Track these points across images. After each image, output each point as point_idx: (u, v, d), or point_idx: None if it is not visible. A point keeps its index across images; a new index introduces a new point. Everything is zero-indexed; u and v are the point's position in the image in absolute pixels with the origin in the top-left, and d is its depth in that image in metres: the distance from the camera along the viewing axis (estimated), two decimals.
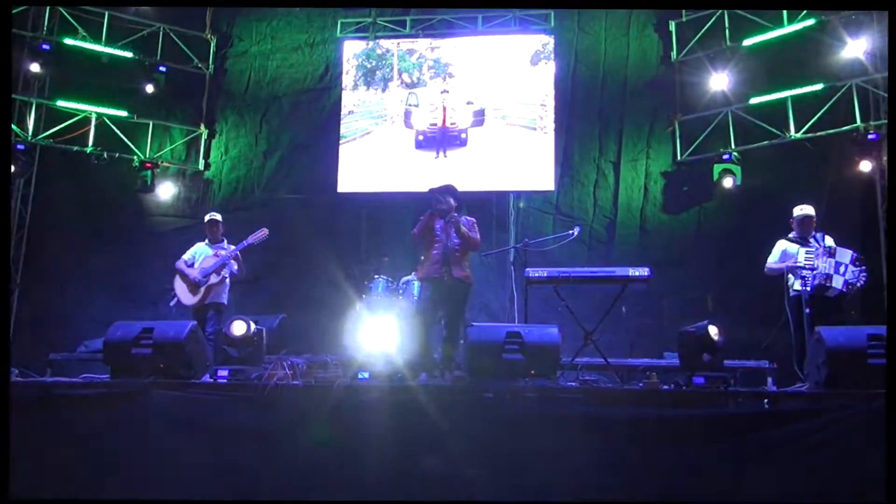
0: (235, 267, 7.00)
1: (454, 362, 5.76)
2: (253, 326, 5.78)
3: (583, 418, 4.34)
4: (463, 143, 9.83)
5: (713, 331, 4.98)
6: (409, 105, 10.01)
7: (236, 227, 7.69)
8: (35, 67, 9.50)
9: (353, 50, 10.30)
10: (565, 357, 5.62)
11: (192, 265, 6.94)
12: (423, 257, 6.12)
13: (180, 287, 6.93)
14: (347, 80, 10.21)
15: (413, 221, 6.21)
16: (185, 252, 7.10)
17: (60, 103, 9.68)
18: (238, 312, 7.32)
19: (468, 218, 6.20)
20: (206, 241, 7.15)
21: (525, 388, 4.68)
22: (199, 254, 7.03)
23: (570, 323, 6.18)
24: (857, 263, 5.91)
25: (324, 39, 10.58)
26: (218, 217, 7.22)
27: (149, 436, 4.49)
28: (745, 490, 4.04)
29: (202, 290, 6.84)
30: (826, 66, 8.74)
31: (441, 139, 9.89)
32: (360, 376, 4.99)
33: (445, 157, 9.81)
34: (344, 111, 10.13)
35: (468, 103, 9.92)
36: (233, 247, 6.99)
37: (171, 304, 7.01)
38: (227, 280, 7.03)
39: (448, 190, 6.18)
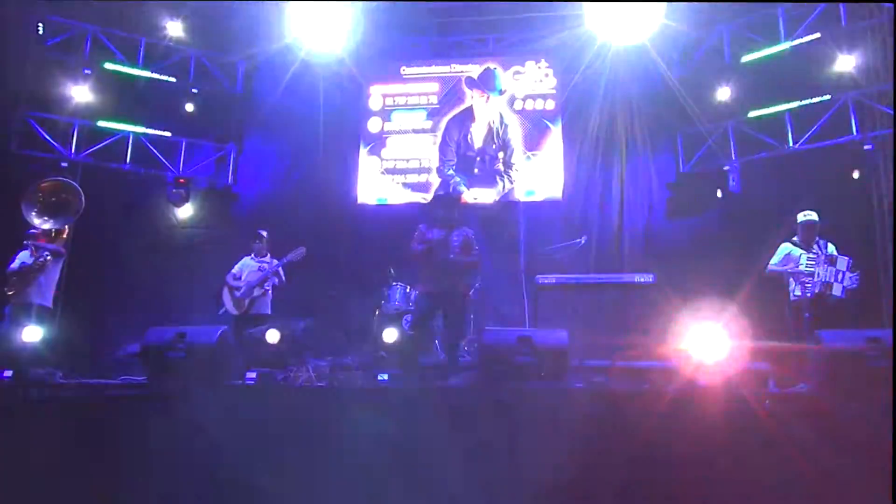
0: (276, 281, 7.22)
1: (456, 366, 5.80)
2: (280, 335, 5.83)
3: (590, 418, 4.31)
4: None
5: (701, 336, 4.91)
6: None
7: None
8: (79, 90, 9.65)
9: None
10: (573, 360, 5.59)
11: (239, 278, 7.16)
12: (425, 268, 6.03)
13: (227, 298, 7.20)
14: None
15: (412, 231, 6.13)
16: (234, 266, 7.40)
17: (101, 123, 9.81)
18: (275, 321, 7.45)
19: (468, 229, 6.16)
20: (252, 255, 7.35)
21: (535, 389, 4.66)
22: (245, 267, 7.25)
23: (579, 327, 6.15)
24: (853, 269, 5.85)
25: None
26: (263, 233, 7.41)
27: (180, 435, 4.51)
28: (744, 489, 3.99)
29: (246, 301, 7.02)
30: (822, 80, 8.67)
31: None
32: (379, 378, 5.00)
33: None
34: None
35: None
36: (276, 261, 7.18)
37: (220, 312, 7.21)
38: (270, 292, 7.23)
39: (453, 201, 6.16)
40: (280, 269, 7.27)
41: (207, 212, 10.42)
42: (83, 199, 6.56)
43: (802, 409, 4.21)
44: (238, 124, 10.71)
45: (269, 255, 7.41)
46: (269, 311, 7.33)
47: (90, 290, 9.17)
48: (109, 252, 9.58)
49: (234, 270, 7.35)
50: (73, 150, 9.64)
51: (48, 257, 6.42)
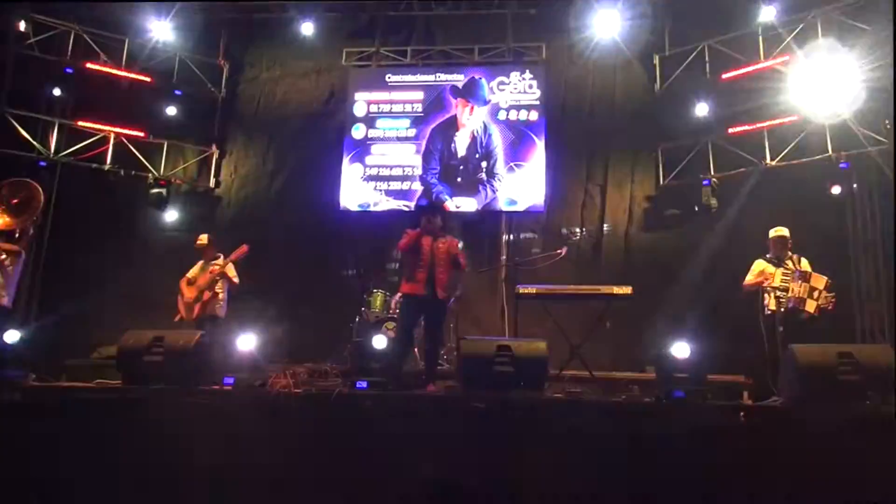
0: (227, 282, 7.14)
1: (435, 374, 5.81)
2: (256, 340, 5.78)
3: (567, 428, 4.33)
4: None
5: (681, 348, 4.96)
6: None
7: (245, 242, 7.70)
8: (58, 90, 9.55)
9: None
10: (552, 369, 5.62)
11: (193, 283, 7.13)
12: (408, 273, 6.05)
13: (181, 303, 7.12)
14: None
15: (400, 234, 6.13)
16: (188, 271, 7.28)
17: (81, 123, 9.70)
18: (244, 324, 7.35)
19: (454, 238, 6.18)
20: (203, 259, 7.32)
21: (514, 398, 4.67)
22: (198, 272, 7.22)
23: (558, 337, 6.18)
24: (830, 289, 5.94)
25: (329, 66, 10.67)
26: (204, 239, 7.33)
27: (157, 440, 4.46)
28: (718, 500, 4.03)
29: (197, 306, 6.95)
30: (800, 98, 8.83)
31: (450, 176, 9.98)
32: (357, 385, 4.98)
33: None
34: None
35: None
36: (225, 261, 7.12)
37: (176, 319, 7.13)
38: (222, 295, 7.14)
39: (435, 209, 6.18)
40: (225, 271, 7.09)
41: (188, 214, 10.33)
42: (42, 197, 6.47)
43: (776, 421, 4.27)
44: (221, 127, 10.65)
45: (221, 256, 7.32)
46: (223, 315, 7.23)
47: (67, 292, 9.05)
48: (87, 253, 9.47)
49: (188, 275, 7.31)
50: (52, 150, 9.52)
51: (3, 258, 6.28)
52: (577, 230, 9.74)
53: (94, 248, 9.50)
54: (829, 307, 5.93)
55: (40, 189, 6.50)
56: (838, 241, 8.66)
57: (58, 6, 9.51)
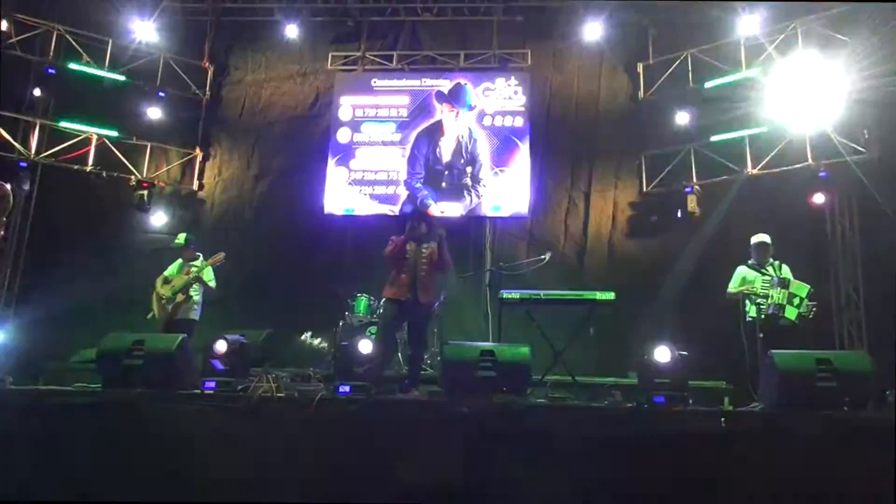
0: (202, 286, 6.99)
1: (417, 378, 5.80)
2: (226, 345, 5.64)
3: (550, 433, 4.34)
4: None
5: (662, 353, 4.99)
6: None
7: (227, 246, 7.68)
8: (39, 90, 9.46)
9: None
10: (536, 375, 5.63)
11: (169, 282, 6.98)
12: (391, 277, 6.03)
13: (154, 302, 6.96)
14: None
15: (385, 239, 6.12)
16: (165, 270, 7.16)
17: (63, 124, 9.61)
18: (226, 327, 7.28)
19: (438, 243, 6.15)
20: (182, 259, 7.16)
21: (497, 403, 4.68)
22: (175, 271, 7.08)
23: (541, 342, 6.19)
24: (811, 298, 6.01)
25: (315, 70, 10.64)
26: (181, 239, 7.18)
27: (139, 444, 4.42)
28: None
29: (170, 307, 6.84)
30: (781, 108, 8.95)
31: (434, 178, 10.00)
32: (340, 390, 4.95)
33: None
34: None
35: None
36: (203, 263, 6.98)
37: (148, 317, 6.99)
38: (197, 297, 7.02)
39: (423, 215, 6.19)
40: (200, 276, 6.91)
41: (171, 217, 10.25)
42: (12, 199, 6.37)
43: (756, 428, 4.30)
44: (205, 129, 10.58)
45: (200, 257, 7.20)
46: (196, 318, 7.09)
47: (48, 294, 8.95)
48: (68, 255, 9.38)
49: (165, 274, 7.16)
50: (32, 151, 9.42)
51: None
52: (561, 236, 9.79)
53: (74, 250, 9.41)
54: (810, 315, 6.00)
55: (9, 189, 6.40)
56: (818, 249, 8.77)
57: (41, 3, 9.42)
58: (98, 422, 4.52)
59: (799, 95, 8.77)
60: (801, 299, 5.99)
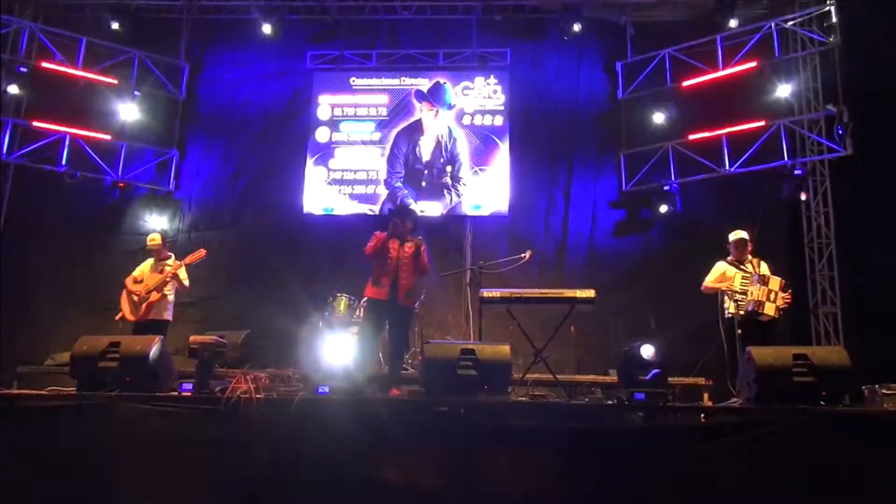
0: (177, 285, 6.88)
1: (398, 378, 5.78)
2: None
3: (531, 431, 4.34)
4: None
5: (646, 350, 5.03)
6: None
7: (205, 246, 7.53)
8: (12, 89, 9.29)
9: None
10: (516, 373, 5.63)
11: (140, 282, 6.85)
12: (373, 277, 6.00)
13: (124, 303, 6.84)
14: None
15: (365, 239, 6.09)
16: (135, 270, 7.04)
17: (36, 124, 9.44)
18: (205, 327, 7.19)
19: (420, 242, 6.14)
20: (153, 258, 7.04)
21: (478, 402, 4.66)
22: (146, 270, 6.96)
23: (522, 341, 6.19)
24: (785, 289, 6.06)
25: (293, 69, 10.55)
26: (156, 239, 7.06)
27: (114, 447, 4.34)
28: (679, 499, 4.08)
29: (143, 306, 6.73)
30: (758, 106, 9.06)
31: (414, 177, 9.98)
32: (319, 390, 4.91)
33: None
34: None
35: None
36: (178, 262, 6.88)
37: (117, 318, 6.86)
38: (171, 297, 6.91)
39: (406, 213, 6.17)
40: (177, 273, 6.81)
41: (147, 218, 10.11)
42: None
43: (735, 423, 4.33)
44: (181, 129, 10.45)
45: (172, 256, 7.09)
46: (170, 318, 6.99)
47: (20, 296, 8.80)
48: (42, 256, 9.23)
49: (134, 274, 7.03)
50: (4, 150, 9.24)
51: None
52: (542, 234, 9.81)
53: (47, 252, 9.26)
54: (786, 306, 6.06)
55: None
56: (794, 245, 8.89)
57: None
58: (73, 425, 4.44)
59: (775, 94, 8.90)
60: (776, 293, 6.04)
